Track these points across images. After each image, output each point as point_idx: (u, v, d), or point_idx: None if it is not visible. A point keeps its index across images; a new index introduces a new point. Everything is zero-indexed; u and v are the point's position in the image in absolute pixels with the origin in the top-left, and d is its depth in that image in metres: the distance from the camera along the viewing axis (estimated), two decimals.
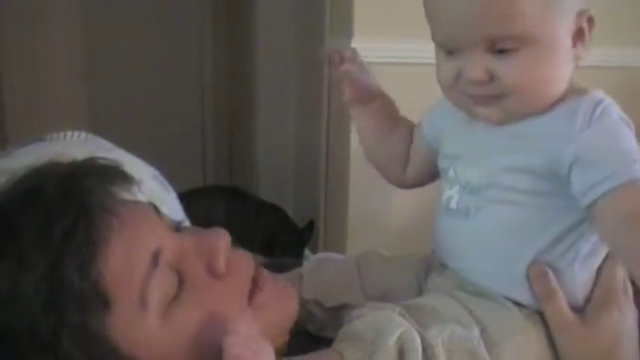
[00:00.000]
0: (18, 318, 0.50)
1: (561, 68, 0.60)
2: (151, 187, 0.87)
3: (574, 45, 0.60)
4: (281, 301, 0.62)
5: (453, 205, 0.65)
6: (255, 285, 0.60)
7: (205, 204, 1.75)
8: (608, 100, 0.60)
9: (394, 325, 0.55)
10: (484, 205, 0.62)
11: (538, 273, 0.60)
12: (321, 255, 0.80)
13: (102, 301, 0.51)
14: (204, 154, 2.59)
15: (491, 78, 0.58)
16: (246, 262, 0.61)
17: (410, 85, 1.46)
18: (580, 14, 0.59)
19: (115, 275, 0.52)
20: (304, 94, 1.95)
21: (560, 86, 0.60)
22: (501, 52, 0.57)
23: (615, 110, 0.59)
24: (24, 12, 2.07)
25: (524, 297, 0.61)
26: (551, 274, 0.60)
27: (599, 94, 0.60)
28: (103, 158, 0.61)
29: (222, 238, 0.59)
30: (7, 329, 0.50)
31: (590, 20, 0.60)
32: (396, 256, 0.74)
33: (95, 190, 0.55)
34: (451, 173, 0.67)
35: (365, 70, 0.76)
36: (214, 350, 0.53)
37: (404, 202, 1.45)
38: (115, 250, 0.52)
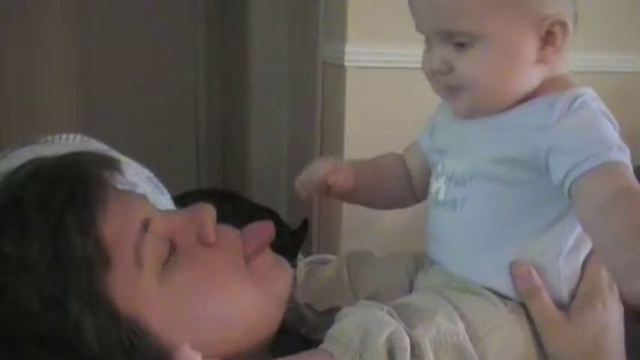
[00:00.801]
0: (26, 282, 0.51)
1: (518, 70, 0.60)
2: (145, 189, 0.87)
3: (542, 48, 0.60)
4: (275, 270, 0.65)
5: (441, 196, 0.66)
6: (246, 257, 0.62)
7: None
8: (591, 95, 0.60)
9: (383, 324, 0.55)
10: (469, 196, 0.63)
11: (521, 271, 0.61)
12: (313, 257, 0.81)
13: (103, 260, 0.53)
14: (198, 157, 2.59)
15: (450, 69, 0.61)
16: (233, 234, 0.64)
17: (403, 89, 1.48)
18: (546, 18, 0.59)
19: (113, 235, 0.54)
20: (298, 97, 1.96)
21: (520, 86, 0.61)
22: (459, 45, 0.59)
23: (596, 104, 0.59)
24: (18, 15, 2.07)
25: (508, 288, 0.61)
26: (534, 272, 0.60)
27: (584, 89, 0.60)
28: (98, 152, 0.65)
29: (208, 210, 0.62)
30: (16, 294, 0.51)
31: (563, 25, 0.60)
32: (385, 255, 0.75)
33: (91, 166, 0.59)
34: (439, 167, 0.68)
35: (339, 173, 0.74)
36: (213, 312, 0.57)
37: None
38: (112, 210, 0.55)
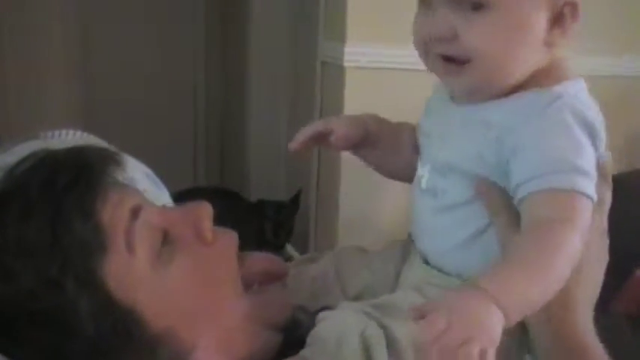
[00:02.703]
0: (25, 262, 0.52)
1: (527, 47, 0.58)
2: (144, 185, 0.88)
3: (551, 29, 0.59)
4: (274, 303, 0.64)
5: (424, 184, 0.65)
6: (242, 263, 0.63)
7: None
8: (573, 98, 0.58)
9: (356, 324, 0.56)
10: (448, 189, 0.62)
11: (484, 187, 0.60)
12: (303, 257, 0.81)
13: (100, 245, 0.54)
14: (196, 155, 2.59)
15: (455, 36, 0.57)
16: (230, 235, 0.65)
17: (403, 90, 1.48)
18: None
19: (110, 220, 0.55)
20: (296, 96, 1.96)
21: (523, 66, 0.59)
22: (471, 9, 0.56)
23: (574, 109, 0.57)
24: (20, 13, 2.07)
25: None
26: (496, 189, 0.59)
27: (570, 86, 0.59)
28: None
29: (205, 206, 0.63)
30: (15, 273, 0.52)
31: (574, 8, 0.59)
32: (373, 249, 0.75)
33: (95, 157, 0.60)
34: (424, 152, 0.67)
35: (345, 124, 0.73)
36: (204, 307, 0.57)
37: (395, 201, 1.46)
38: (111, 199, 0.56)
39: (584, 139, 0.56)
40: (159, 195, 0.91)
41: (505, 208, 0.58)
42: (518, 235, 0.55)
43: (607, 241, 0.63)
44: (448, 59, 0.59)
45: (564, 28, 0.59)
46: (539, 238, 0.53)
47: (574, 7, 0.58)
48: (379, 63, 1.52)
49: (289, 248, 1.95)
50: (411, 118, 0.75)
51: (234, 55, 2.31)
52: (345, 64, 1.51)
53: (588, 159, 0.56)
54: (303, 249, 1.87)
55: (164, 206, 0.66)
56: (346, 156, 1.58)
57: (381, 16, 1.47)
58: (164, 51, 2.39)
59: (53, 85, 2.17)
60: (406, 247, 0.70)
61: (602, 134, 0.59)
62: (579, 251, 0.54)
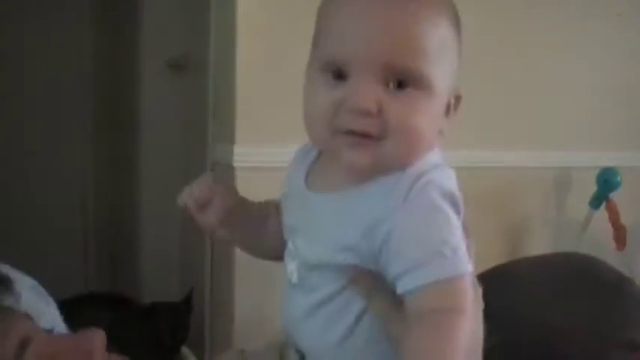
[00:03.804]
0: None
1: (434, 127, 0.58)
2: (29, 299, 0.84)
3: (446, 114, 0.60)
4: None
5: (295, 279, 0.64)
6: None
7: (88, 313, 1.67)
8: (433, 173, 0.57)
9: None
10: (320, 284, 0.61)
11: (354, 275, 0.59)
12: None
13: None
14: (87, 259, 2.50)
15: (379, 112, 0.54)
16: None
17: None
18: (454, 88, 0.60)
19: None
20: None
21: (430, 145, 0.59)
22: (396, 86, 0.55)
23: (437, 184, 0.56)
24: None
25: None
26: (367, 274, 0.58)
27: (428, 163, 0.58)
28: None
29: (97, 336, 0.61)
30: None
31: (458, 99, 0.61)
32: (252, 350, 0.74)
33: None
34: (291, 245, 0.66)
35: (220, 193, 0.72)
36: None
37: None
38: None
39: (451, 212, 0.56)
40: (45, 310, 0.87)
41: (379, 290, 0.58)
42: (407, 334, 0.54)
43: (480, 290, 0.63)
44: (358, 134, 0.56)
45: (449, 119, 0.61)
46: (430, 337, 0.53)
47: (458, 99, 0.62)
48: (269, 163, 1.57)
49: (185, 350, 1.89)
50: None
51: (125, 157, 2.29)
52: (235, 164, 1.54)
53: (458, 232, 0.56)
54: (199, 350, 1.81)
55: (55, 334, 0.64)
56: (240, 254, 1.58)
57: (269, 117, 1.53)
58: (53, 151, 2.36)
59: None
60: (284, 346, 0.69)
61: (460, 197, 0.59)
62: (472, 331, 0.55)
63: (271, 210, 0.74)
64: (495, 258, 1.43)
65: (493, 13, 1.76)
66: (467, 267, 0.55)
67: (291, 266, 0.65)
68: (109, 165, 2.46)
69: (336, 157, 0.58)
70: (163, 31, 1.92)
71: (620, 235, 1.87)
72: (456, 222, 0.56)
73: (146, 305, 1.91)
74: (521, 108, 1.86)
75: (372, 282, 0.58)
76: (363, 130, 0.55)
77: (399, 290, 0.56)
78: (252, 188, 1.55)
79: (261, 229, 0.74)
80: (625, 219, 1.89)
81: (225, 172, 1.60)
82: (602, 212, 1.90)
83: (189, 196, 0.72)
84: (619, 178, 1.84)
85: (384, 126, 0.55)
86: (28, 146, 2.32)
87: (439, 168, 0.59)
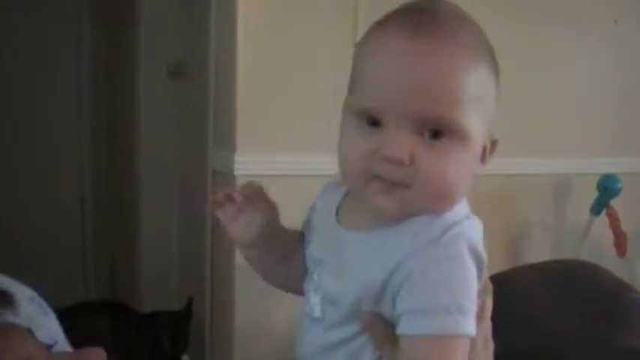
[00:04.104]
0: None
1: (467, 175, 0.58)
2: (28, 310, 0.84)
3: (481, 160, 0.60)
4: None
5: (317, 313, 0.64)
6: None
7: (87, 321, 1.67)
8: (464, 225, 0.57)
9: None
10: (343, 322, 0.61)
11: (369, 321, 0.59)
12: None
13: None
14: (86, 268, 2.49)
15: (411, 161, 0.54)
16: None
17: (289, 196, 1.52)
18: (490, 133, 0.60)
19: None
20: (187, 205, 1.96)
21: (462, 193, 0.58)
22: (431, 136, 0.54)
23: (466, 241, 0.56)
24: None
25: None
26: (381, 322, 0.58)
27: (460, 213, 0.58)
28: None
29: (97, 354, 0.60)
30: None
31: (494, 143, 0.60)
32: None
33: None
34: (316, 277, 0.65)
35: (261, 209, 0.68)
36: None
37: (291, 308, 1.46)
38: None
39: (473, 269, 0.56)
40: (44, 321, 0.87)
41: (389, 341, 0.58)
42: None
43: (492, 346, 0.64)
44: (388, 180, 0.55)
45: (485, 162, 0.60)
46: None
47: (495, 144, 0.61)
48: (269, 170, 1.57)
49: (185, 359, 1.89)
50: (296, 221, 0.75)
51: (124, 164, 2.29)
52: (236, 172, 1.55)
53: (472, 292, 0.56)
54: (199, 359, 1.81)
55: (55, 351, 0.64)
56: (240, 262, 1.58)
57: (270, 125, 1.52)
58: (51, 159, 2.35)
59: None
60: None
61: (485, 257, 0.59)
62: None
63: (299, 238, 0.72)
64: (496, 265, 1.42)
65: (491, 21, 1.76)
66: (469, 329, 0.55)
67: (314, 299, 0.64)
68: (108, 173, 2.46)
69: (365, 200, 0.58)
70: (162, 38, 1.92)
71: (620, 242, 1.87)
72: (473, 281, 0.56)
73: (146, 314, 1.91)
74: (522, 115, 1.85)
75: (386, 331, 0.58)
76: (391, 176, 0.55)
77: (399, 330, 0.56)
78: None
79: (292, 255, 0.71)
80: (626, 226, 1.89)
81: (225, 180, 1.61)
82: (602, 219, 1.90)
83: (224, 200, 0.67)
84: (620, 185, 1.85)
85: (415, 175, 0.55)
86: (26, 149, 2.32)
87: (470, 220, 0.59)
